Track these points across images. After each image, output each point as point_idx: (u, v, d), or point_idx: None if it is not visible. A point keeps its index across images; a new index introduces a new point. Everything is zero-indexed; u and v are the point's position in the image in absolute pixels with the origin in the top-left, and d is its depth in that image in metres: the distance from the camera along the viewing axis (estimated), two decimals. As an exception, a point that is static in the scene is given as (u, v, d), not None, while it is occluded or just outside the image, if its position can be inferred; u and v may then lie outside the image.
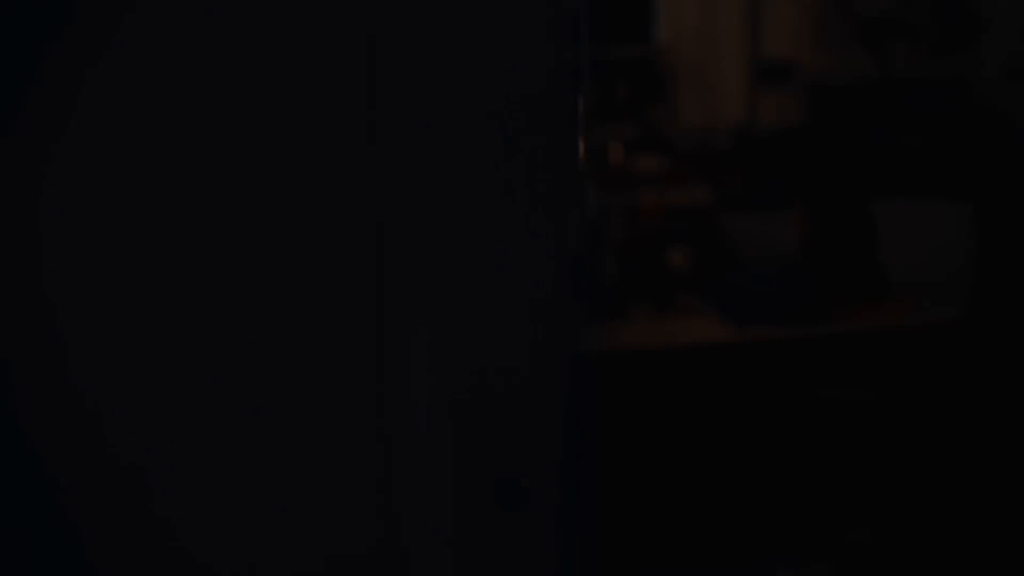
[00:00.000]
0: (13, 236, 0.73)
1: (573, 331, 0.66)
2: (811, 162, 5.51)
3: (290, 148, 0.69)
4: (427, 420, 0.65)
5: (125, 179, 0.72)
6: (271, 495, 0.71)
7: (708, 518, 2.46)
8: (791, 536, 2.37)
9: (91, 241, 0.73)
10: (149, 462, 0.73)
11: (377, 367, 0.66)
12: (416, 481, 0.67)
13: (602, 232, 4.95)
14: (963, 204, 5.61)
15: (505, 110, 0.66)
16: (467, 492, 0.68)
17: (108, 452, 0.74)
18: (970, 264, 5.59)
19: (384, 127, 0.66)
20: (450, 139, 0.65)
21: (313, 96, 0.68)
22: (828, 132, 5.68)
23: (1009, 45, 5.82)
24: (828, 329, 2.94)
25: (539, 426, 0.67)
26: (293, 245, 0.69)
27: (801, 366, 2.55)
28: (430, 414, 0.66)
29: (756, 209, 5.37)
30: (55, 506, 0.69)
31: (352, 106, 0.68)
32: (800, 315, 3.21)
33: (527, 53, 0.66)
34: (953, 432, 2.54)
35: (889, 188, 5.10)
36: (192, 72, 0.68)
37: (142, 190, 0.72)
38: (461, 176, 0.65)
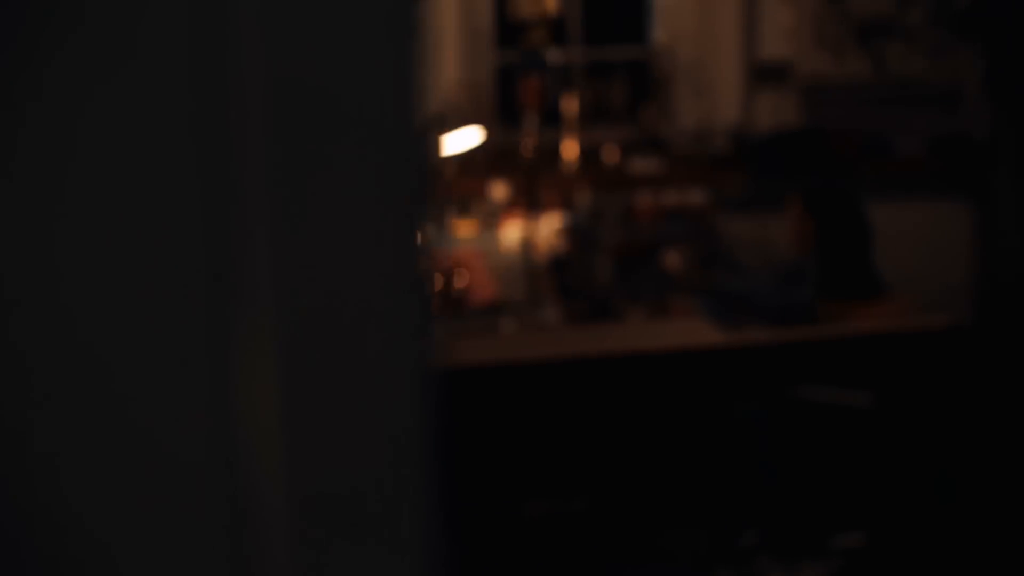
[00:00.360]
0: None
1: (417, 349, 0.62)
2: (808, 164, 5.50)
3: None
4: (262, 442, 0.62)
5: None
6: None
7: (700, 518, 2.44)
8: (781, 538, 2.35)
9: None
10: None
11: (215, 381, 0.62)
12: (251, 506, 0.63)
13: (596, 234, 4.93)
14: (960, 206, 5.60)
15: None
16: (305, 518, 0.64)
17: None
18: (968, 265, 5.57)
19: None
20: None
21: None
22: (825, 133, 5.67)
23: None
24: (823, 332, 2.92)
25: (384, 447, 0.63)
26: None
27: (795, 368, 2.54)
28: (265, 438, 0.62)
29: (752, 211, 5.36)
30: None
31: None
32: (795, 317, 3.20)
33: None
34: (949, 436, 2.52)
35: (886, 189, 5.09)
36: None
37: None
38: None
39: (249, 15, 0.57)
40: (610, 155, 5.54)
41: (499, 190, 5.16)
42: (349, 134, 0.57)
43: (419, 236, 0.58)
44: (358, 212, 0.57)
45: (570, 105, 5.18)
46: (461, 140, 4.87)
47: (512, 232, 4.80)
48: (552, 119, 5.26)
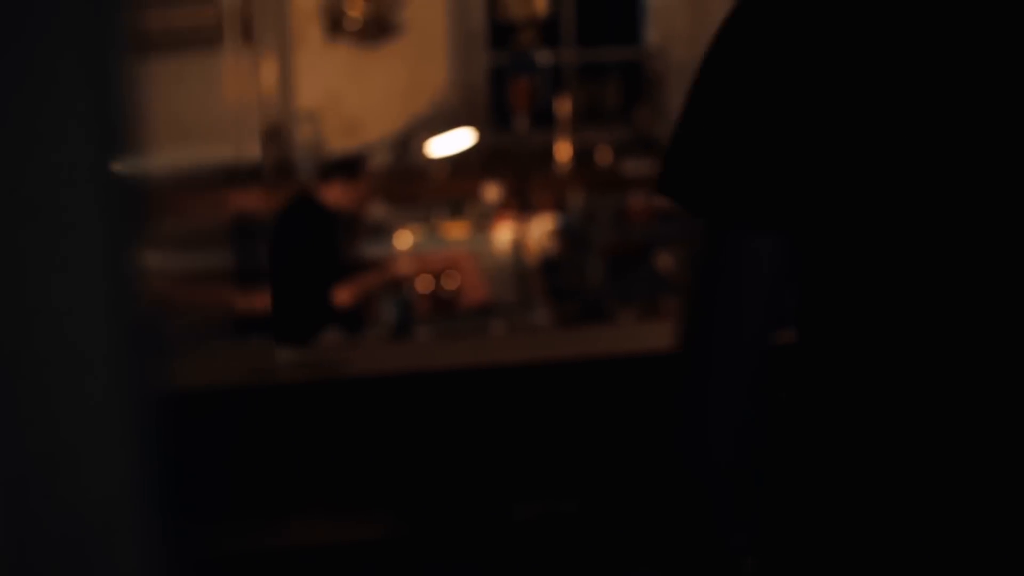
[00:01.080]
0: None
1: (137, 376, 0.60)
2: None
3: None
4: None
5: None
6: None
7: (687, 520, 2.43)
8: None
9: None
10: None
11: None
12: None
13: (588, 236, 4.92)
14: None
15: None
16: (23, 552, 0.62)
17: None
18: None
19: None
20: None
21: None
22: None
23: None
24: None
25: (110, 478, 0.61)
26: None
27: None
28: None
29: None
30: None
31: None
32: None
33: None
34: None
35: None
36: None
37: None
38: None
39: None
40: (603, 156, 5.52)
41: (491, 191, 5.15)
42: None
43: (133, 262, 0.55)
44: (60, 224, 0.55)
45: (563, 106, 5.17)
46: (454, 142, 4.86)
47: (504, 234, 4.79)
48: (545, 120, 5.25)
